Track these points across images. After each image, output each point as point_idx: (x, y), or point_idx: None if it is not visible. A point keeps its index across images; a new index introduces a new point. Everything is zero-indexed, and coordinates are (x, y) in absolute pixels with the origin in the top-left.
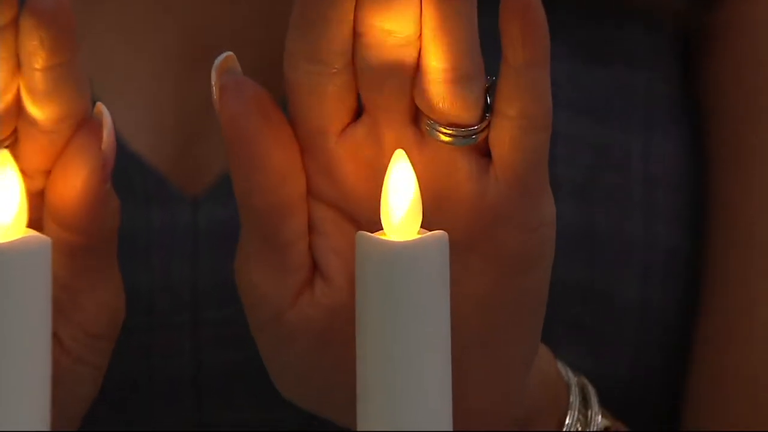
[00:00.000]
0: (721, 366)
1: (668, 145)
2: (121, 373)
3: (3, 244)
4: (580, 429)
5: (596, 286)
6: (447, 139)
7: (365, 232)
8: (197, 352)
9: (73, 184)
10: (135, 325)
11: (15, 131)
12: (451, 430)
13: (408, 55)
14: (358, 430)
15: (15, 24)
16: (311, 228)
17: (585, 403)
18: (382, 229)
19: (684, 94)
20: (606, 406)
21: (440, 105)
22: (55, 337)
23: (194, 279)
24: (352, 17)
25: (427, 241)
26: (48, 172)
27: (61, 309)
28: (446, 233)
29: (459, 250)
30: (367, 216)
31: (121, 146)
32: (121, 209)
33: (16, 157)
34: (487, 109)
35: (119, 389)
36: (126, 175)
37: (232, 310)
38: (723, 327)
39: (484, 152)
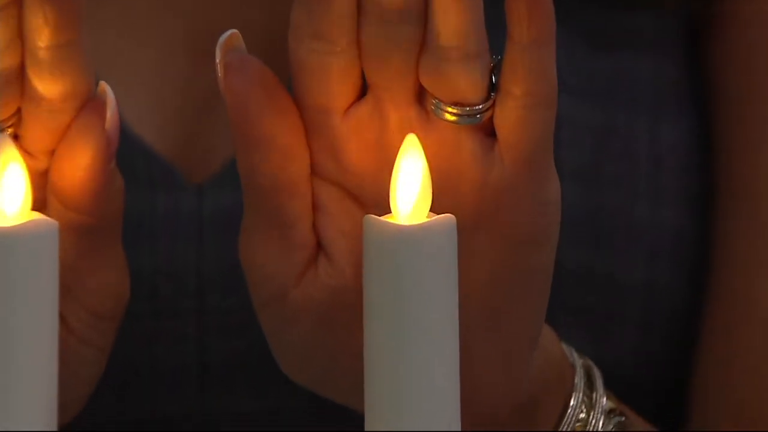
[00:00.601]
0: (728, 349)
1: (675, 129)
2: (124, 358)
3: (9, 228)
4: (584, 411)
5: (601, 270)
6: (452, 118)
7: (373, 216)
8: (201, 339)
9: (78, 163)
10: (139, 312)
11: (18, 111)
12: (459, 412)
13: (413, 34)
14: (366, 413)
15: (19, 1)
16: (315, 207)
17: (590, 384)
18: (386, 208)
19: (691, 80)
20: (611, 389)
21: (445, 84)
22: (60, 317)
23: (199, 266)
24: None
25: (436, 225)
26: (52, 152)
27: (65, 289)
28: (454, 217)
29: (464, 230)
30: (371, 195)
31: (126, 133)
32: (126, 195)
33: (20, 136)
34: (492, 88)
35: (123, 375)
36: (131, 161)
37: (237, 297)
38: (730, 310)
39: (489, 131)
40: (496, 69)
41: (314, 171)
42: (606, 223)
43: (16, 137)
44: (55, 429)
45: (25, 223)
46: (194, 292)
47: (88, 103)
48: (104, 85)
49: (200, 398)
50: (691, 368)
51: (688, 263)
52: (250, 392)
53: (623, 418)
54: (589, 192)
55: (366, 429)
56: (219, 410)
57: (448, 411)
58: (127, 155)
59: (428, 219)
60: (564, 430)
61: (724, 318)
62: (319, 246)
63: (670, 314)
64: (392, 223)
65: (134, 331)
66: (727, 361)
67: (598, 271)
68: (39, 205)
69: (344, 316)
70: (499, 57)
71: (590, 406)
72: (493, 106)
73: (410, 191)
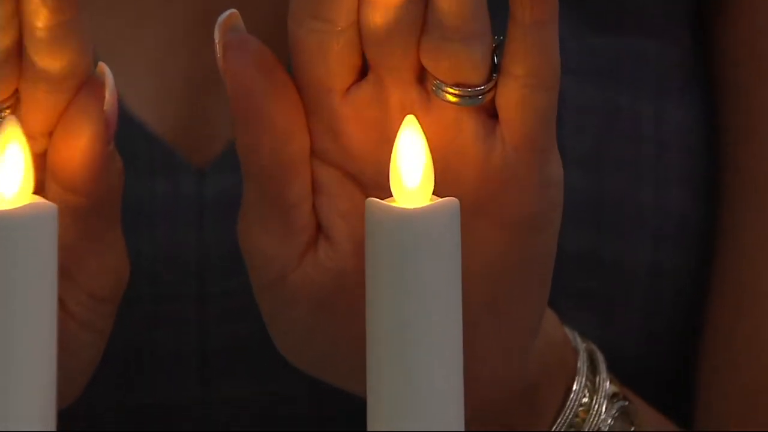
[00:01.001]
0: (734, 332)
1: (679, 112)
2: (125, 344)
3: (9, 210)
4: (587, 395)
5: (606, 254)
6: (453, 99)
7: (375, 199)
8: (202, 324)
9: (76, 145)
10: (139, 296)
11: (16, 92)
12: (462, 398)
13: (414, 14)
14: (368, 398)
15: None
16: (315, 189)
17: (593, 368)
18: (388, 190)
19: (696, 62)
20: (615, 373)
21: (446, 64)
22: (58, 300)
23: (199, 250)
24: None
25: (439, 208)
26: (50, 134)
27: (64, 272)
28: (457, 200)
29: (465, 212)
30: (371, 177)
31: (126, 115)
32: (126, 179)
33: (18, 118)
34: (494, 69)
35: (123, 360)
36: (131, 144)
37: (238, 281)
38: (735, 293)
39: (490, 113)
40: (498, 49)
41: (314, 152)
42: (610, 207)
43: None
44: (54, 411)
45: (24, 206)
46: (195, 276)
47: (87, 84)
48: (103, 66)
49: (201, 383)
50: (696, 352)
51: (693, 247)
52: (250, 376)
53: (627, 403)
54: (592, 175)
55: (368, 429)
56: (219, 395)
57: (451, 398)
58: (127, 138)
59: (431, 202)
60: (567, 415)
61: (730, 300)
62: (319, 229)
63: (675, 298)
64: (395, 207)
65: (135, 316)
66: (733, 342)
67: (602, 255)
68: (37, 186)
69: (344, 299)
70: (502, 37)
71: (593, 391)
72: (495, 87)
73: (413, 174)
